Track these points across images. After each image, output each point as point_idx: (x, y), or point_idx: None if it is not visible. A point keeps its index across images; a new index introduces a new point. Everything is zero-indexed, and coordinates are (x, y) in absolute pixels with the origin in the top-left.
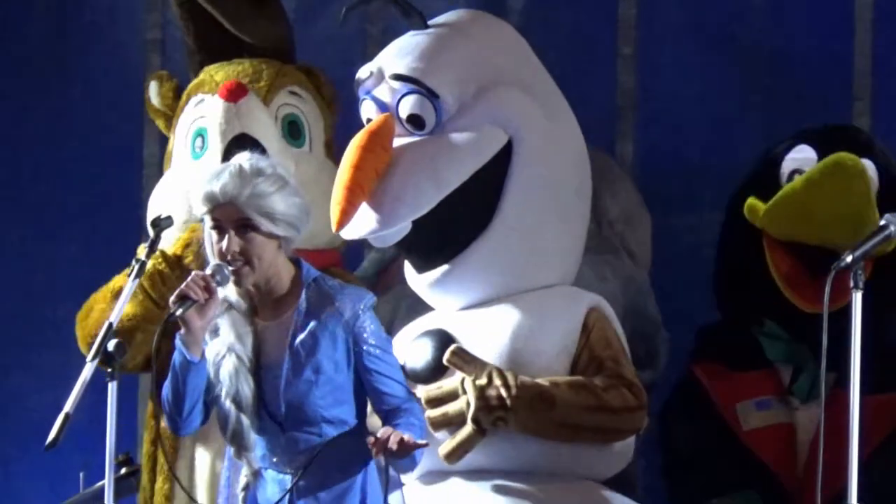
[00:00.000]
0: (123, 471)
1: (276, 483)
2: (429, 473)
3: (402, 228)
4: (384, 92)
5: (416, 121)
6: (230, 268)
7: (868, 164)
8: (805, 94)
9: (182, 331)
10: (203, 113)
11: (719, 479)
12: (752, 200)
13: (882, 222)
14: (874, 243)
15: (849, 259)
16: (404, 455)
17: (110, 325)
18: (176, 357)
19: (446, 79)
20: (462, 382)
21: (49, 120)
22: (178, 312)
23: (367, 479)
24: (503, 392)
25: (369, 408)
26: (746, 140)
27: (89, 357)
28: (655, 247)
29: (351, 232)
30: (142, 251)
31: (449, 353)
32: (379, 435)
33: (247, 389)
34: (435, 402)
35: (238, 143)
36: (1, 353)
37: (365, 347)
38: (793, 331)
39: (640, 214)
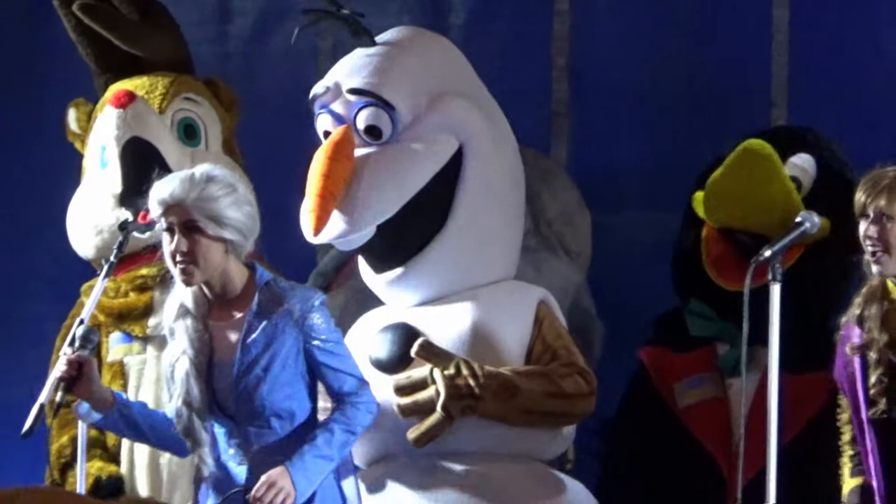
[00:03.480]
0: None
1: (233, 475)
2: (385, 457)
3: (368, 232)
4: (341, 106)
5: (373, 131)
6: (95, 334)
7: (804, 158)
8: (726, 101)
9: (82, 406)
10: (104, 125)
11: (655, 459)
12: (697, 193)
13: (798, 219)
14: (790, 239)
15: (767, 253)
16: None
17: (81, 320)
18: (100, 426)
19: (400, 91)
20: (431, 372)
21: (22, 130)
22: (59, 398)
23: None
24: (471, 381)
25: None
26: (673, 144)
27: (62, 351)
28: (600, 240)
29: (322, 236)
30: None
31: (417, 347)
32: (253, 493)
33: (196, 390)
34: (404, 390)
35: (132, 146)
36: None
37: (315, 343)
38: (719, 309)
39: (580, 213)
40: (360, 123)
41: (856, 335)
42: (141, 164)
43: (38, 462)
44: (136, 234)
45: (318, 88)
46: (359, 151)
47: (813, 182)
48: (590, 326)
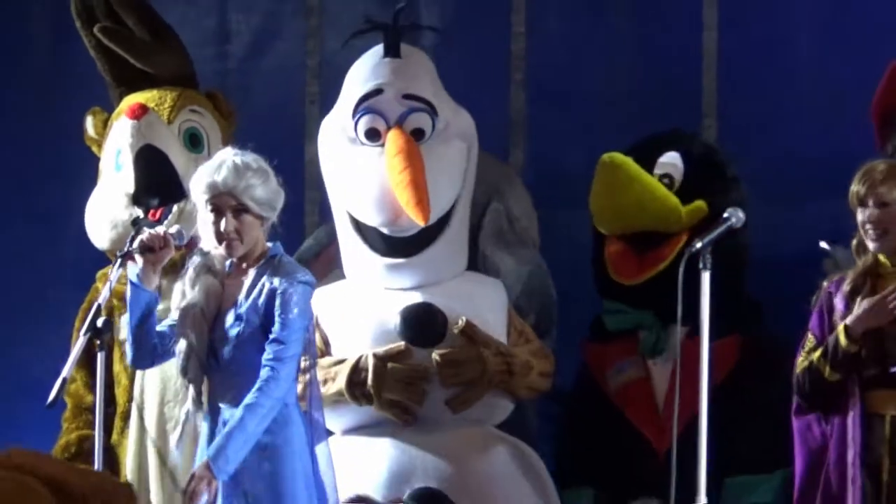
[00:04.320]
0: None
1: (206, 416)
2: (356, 427)
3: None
4: (392, 108)
5: (418, 133)
6: (185, 232)
7: (670, 156)
8: (663, 112)
9: (140, 266)
10: (118, 133)
11: (597, 438)
12: None
13: (725, 215)
14: (719, 232)
15: (698, 245)
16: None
17: (99, 305)
18: (129, 287)
19: (442, 101)
20: (477, 350)
21: (47, 135)
22: (137, 254)
23: (292, 430)
24: (511, 360)
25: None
26: (617, 149)
27: (82, 332)
28: (543, 238)
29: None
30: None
31: (465, 324)
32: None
33: (200, 335)
34: (449, 363)
35: (144, 152)
36: (9, 327)
37: (276, 310)
38: (631, 302)
39: (533, 212)
40: (410, 125)
41: (841, 302)
42: (152, 168)
43: (58, 433)
44: (146, 229)
45: (368, 91)
46: None
47: (683, 174)
48: (553, 312)
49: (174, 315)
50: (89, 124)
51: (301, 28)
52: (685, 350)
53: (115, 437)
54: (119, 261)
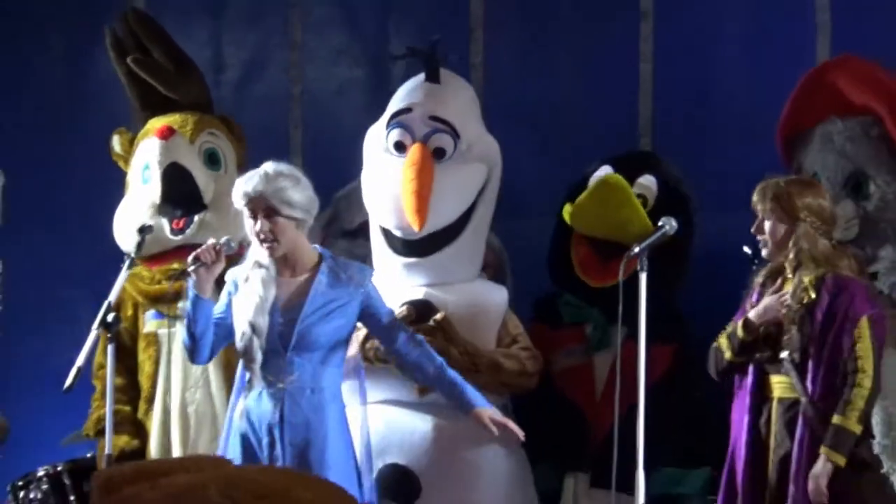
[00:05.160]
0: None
1: (268, 394)
2: (384, 401)
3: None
4: (419, 126)
5: (440, 152)
6: (234, 243)
7: (649, 179)
8: (606, 132)
9: (194, 279)
10: (147, 151)
11: (539, 412)
12: (567, 205)
13: (660, 223)
14: (654, 238)
15: (636, 249)
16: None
17: (109, 302)
18: (189, 298)
19: (466, 125)
20: (445, 346)
21: (63, 154)
22: (191, 269)
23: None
24: (478, 360)
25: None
26: (564, 165)
27: (94, 326)
28: (504, 242)
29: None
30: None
31: (441, 318)
32: (495, 419)
33: (261, 320)
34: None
35: (171, 169)
36: (22, 322)
37: (373, 303)
38: (586, 299)
39: None
40: (433, 144)
41: (755, 292)
42: (177, 182)
43: (69, 418)
44: (171, 236)
45: (399, 109)
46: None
47: (656, 198)
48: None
49: (224, 299)
50: (116, 143)
51: (285, 60)
52: (626, 349)
53: (139, 416)
54: (128, 262)
